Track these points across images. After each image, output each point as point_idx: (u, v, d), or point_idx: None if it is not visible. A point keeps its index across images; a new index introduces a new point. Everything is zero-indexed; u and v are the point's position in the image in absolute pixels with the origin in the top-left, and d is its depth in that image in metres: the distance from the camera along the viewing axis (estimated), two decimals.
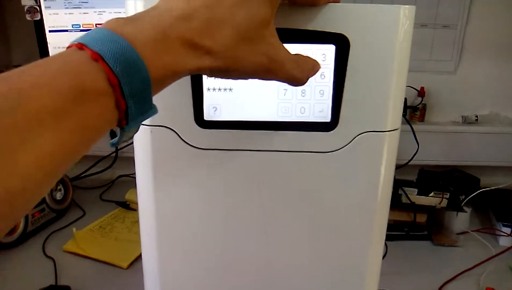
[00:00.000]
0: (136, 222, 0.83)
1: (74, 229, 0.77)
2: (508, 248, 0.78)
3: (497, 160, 1.01)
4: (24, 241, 0.76)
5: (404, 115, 0.96)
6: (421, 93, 1.01)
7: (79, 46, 0.24)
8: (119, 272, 0.69)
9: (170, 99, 0.38)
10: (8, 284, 0.65)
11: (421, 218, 0.82)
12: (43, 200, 0.81)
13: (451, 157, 1.02)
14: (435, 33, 0.99)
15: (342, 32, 0.36)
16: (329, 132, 0.39)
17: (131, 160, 0.43)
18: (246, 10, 0.28)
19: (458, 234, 0.82)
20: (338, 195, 0.41)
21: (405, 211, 0.82)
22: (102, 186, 1.01)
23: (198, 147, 0.40)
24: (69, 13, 0.83)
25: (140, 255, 0.46)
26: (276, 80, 0.32)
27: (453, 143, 1.01)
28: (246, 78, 0.31)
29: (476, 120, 1.02)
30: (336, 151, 0.40)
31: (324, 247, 0.43)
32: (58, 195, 0.86)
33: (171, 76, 0.27)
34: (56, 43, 0.84)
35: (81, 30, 0.83)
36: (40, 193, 0.23)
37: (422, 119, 1.03)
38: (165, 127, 0.39)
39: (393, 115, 0.39)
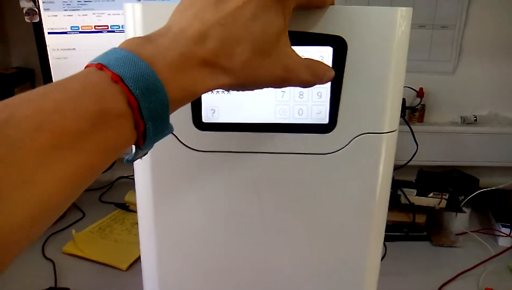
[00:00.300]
0: (136, 223, 0.82)
1: (73, 231, 0.77)
2: (507, 249, 0.78)
3: (496, 160, 1.01)
4: None
5: (403, 116, 0.96)
6: (420, 93, 1.01)
7: (99, 66, 0.24)
8: (119, 274, 0.69)
9: None
10: (8, 286, 0.65)
11: (420, 219, 0.82)
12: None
13: (450, 157, 1.02)
14: (433, 34, 0.99)
15: (339, 34, 0.36)
16: (327, 134, 0.39)
17: (130, 162, 0.43)
18: (260, 25, 0.28)
19: (457, 234, 0.82)
20: (336, 197, 0.41)
21: (404, 211, 0.82)
22: (101, 188, 1.01)
23: (197, 149, 0.40)
24: (68, 15, 0.83)
25: (140, 256, 0.46)
26: (290, 86, 0.33)
27: (452, 143, 1.01)
28: (262, 88, 0.31)
29: (475, 120, 1.02)
30: (334, 153, 0.40)
31: (323, 248, 0.43)
32: None
33: (190, 97, 0.27)
34: (55, 45, 0.84)
35: (80, 32, 0.83)
36: (57, 215, 0.23)
37: (421, 119, 1.03)
38: None
39: (391, 117, 0.39)
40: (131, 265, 0.70)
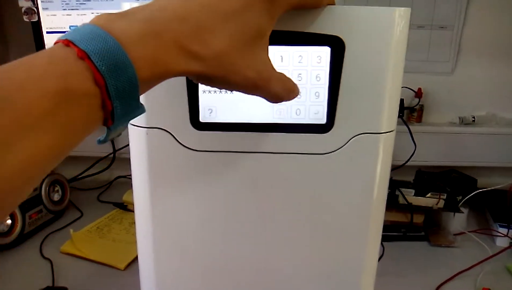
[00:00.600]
0: (134, 223, 0.82)
1: (71, 230, 0.76)
2: (505, 249, 0.78)
3: (494, 160, 1.02)
4: (21, 242, 0.76)
5: (401, 116, 0.96)
6: (418, 94, 1.01)
7: (66, 42, 0.23)
8: (117, 273, 0.69)
9: (166, 101, 0.38)
10: (5, 285, 0.65)
11: (418, 219, 0.82)
12: (41, 201, 0.81)
13: (448, 158, 1.02)
14: (432, 34, 0.99)
15: (337, 34, 0.36)
16: (324, 134, 0.39)
17: (128, 161, 0.43)
18: (242, 21, 0.28)
19: (455, 234, 0.82)
20: (333, 197, 0.41)
21: (402, 212, 0.82)
22: (99, 187, 1.01)
23: (194, 149, 0.40)
24: (67, 15, 0.83)
25: (137, 256, 0.46)
26: (259, 95, 0.32)
27: (450, 144, 1.01)
28: (231, 90, 0.31)
29: (473, 121, 1.02)
30: (332, 153, 0.40)
31: (320, 248, 0.43)
32: (56, 196, 0.86)
33: (159, 77, 0.26)
34: None
35: None
36: (22, 195, 0.22)
37: (419, 120, 1.03)
38: (161, 129, 0.39)
39: (389, 117, 0.39)
40: (129, 265, 0.70)
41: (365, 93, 0.38)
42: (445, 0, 0.96)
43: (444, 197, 0.80)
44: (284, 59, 0.38)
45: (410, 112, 1.03)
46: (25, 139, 0.20)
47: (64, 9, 0.82)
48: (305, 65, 0.38)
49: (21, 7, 0.82)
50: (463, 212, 0.82)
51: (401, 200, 0.81)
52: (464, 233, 0.82)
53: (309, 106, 0.39)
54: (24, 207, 0.77)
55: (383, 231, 0.45)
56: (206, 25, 0.26)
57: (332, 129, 0.39)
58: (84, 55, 0.22)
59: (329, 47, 0.37)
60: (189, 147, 0.40)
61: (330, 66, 0.38)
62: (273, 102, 0.33)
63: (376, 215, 0.43)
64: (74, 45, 0.23)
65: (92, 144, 0.29)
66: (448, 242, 0.80)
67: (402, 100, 0.99)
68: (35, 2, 0.82)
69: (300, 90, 0.38)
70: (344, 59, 0.37)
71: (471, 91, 1.03)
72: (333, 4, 0.36)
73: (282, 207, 0.42)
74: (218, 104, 0.39)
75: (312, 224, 0.42)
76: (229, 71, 0.28)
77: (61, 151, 0.23)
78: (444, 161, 1.02)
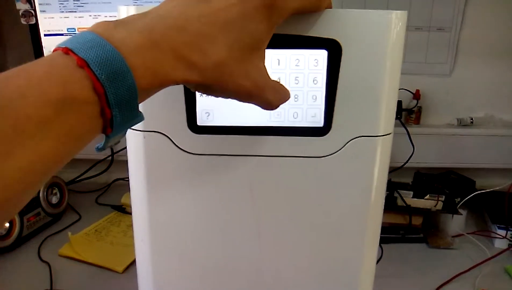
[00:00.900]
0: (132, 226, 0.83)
1: (69, 233, 0.76)
2: (503, 251, 0.78)
3: (492, 162, 1.02)
4: (19, 245, 0.76)
5: (399, 118, 0.96)
6: (416, 95, 1.01)
7: (65, 50, 0.23)
8: (115, 276, 0.69)
9: (163, 105, 0.38)
10: (4, 288, 0.65)
11: (417, 221, 0.82)
12: (39, 204, 0.81)
13: (447, 159, 1.02)
14: (429, 36, 0.99)
15: (334, 38, 0.36)
16: (322, 137, 0.39)
17: (127, 164, 0.43)
18: (240, 30, 0.28)
19: (453, 236, 0.82)
20: (331, 200, 0.41)
21: (400, 213, 0.82)
22: (97, 190, 1.01)
23: (191, 152, 0.40)
24: (65, 17, 0.83)
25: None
26: (252, 103, 0.32)
27: (448, 145, 1.01)
28: (226, 98, 0.31)
29: (471, 122, 1.02)
30: (329, 156, 0.40)
31: (318, 251, 0.43)
32: (54, 199, 0.85)
33: (158, 86, 0.26)
34: (51, 47, 0.83)
35: None
36: (21, 202, 0.22)
37: (417, 121, 1.03)
38: (158, 132, 0.39)
39: (386, 120, 0.39)
40: (127, 268, 0.70)
41: (362, 96, 0.38)
42: (442, 1, 0.97)
43: (443, 199, 0.80)
44: (281, 62, 0.38)
45: (408, 114, 1.03)
46: (24, 147, 0.20)
47: (61, 12, 0.82)
48: (302, 68, 0.38)
49: (19, 10, 0.82)
50: (461, 214, 0.82)
51: (399, 202, 0.81)
52: (462, 235, 0.82)
53: (306, 109, 0.39)
54: (22, 210, 0.76)
55: (381, 233, 0.45)
56: (205, 34, 0.26)
57: (330, 132, 0.39)
58: (83, 64, 0.22)
59: (326, 50, 0.37)
60: (186, 150, 0.40)
61: (327, 69, 0.38)
62: (265, 109, 0.33)
63: (374, 217, 0.43)
64: (74, 53, 0.23)
65: (90, 147, 0.29)
66: (447, 244, 0.80)
67: (400, 102, 1.00)
68: (33, 5, 0.82)
69: (297, 93, 0.39)
70: (341, 62, 0.37)
71: (469, 92, 1.03)
72: (331, 7, 0.36)
73: (279, 210, 0.42)
74: (215, 107, 0.39)
75: (310, 227, 0.42)
76: (226, 81, 0.28)
77: (60, 159, 0.23)
78: (443, 162, 1.02)
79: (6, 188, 0.20)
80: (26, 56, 0.92)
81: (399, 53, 0.38)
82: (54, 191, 0.86)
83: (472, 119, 1.02)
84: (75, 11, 0.83)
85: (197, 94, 0.38)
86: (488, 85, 1.03)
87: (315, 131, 0.39)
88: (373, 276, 0.46)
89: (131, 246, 0.75)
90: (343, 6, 0.97)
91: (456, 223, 0.82)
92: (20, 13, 0.82)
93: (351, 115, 0.39)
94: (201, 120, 0.39)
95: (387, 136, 0.40)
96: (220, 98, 0.37)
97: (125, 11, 0.36)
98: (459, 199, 0.84)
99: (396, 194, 0.81)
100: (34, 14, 0.82)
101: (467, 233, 0.82)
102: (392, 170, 0.57)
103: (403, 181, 0.87)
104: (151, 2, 0.83)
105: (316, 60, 0.38)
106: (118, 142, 0.28)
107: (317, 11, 0.35)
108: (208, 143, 0.40)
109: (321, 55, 0.37)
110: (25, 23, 0.83)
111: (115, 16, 0.83)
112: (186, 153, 0.40)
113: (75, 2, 0.82)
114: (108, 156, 1.04)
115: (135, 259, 0.47)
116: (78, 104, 0.22)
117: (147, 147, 0.40)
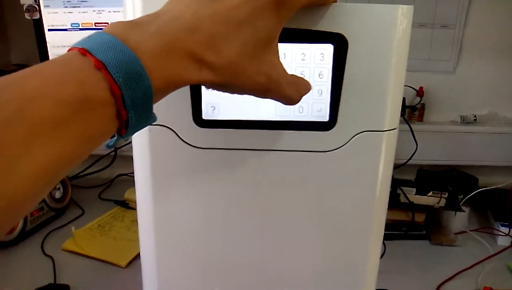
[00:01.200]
0: (135, 221, 0.83)
1: (73, 228, 0.77)
2: (506, 248, 0.78)
3: (496, 159, 1.02)
4: (23, 239, 0.76)
5: (402, 115, 0.96)
6: (420, 93, 1.01)
7: (82, 51, 0.23)
8: (118, 271, 0.69)
9: (169, 98, 0.38)
10: (7, 282, 0.65)
11: (420, 218, 0.82)
12: (42, 199, 0.81)
13: (450, 156, 1.02)
14: (433, 33, 0.99)
15: (340, 32, 0.36)
16: (327, 132, 0.39)
17: (130, 159, 0.43)
18: (252, 29, 0.28)
19: (456, 233, 0.82)
20: (336, 194, 0.41)
21: (403, 210, 0.82)
22: (101, 185, 1.01)
23: (197, 146, 0.40)
24: (68, 12, 0.83)
25: (139, 254, 0.46)
26: (271, 98, 0.32)
27: (451, 143, 1.01)
28: (243, 94, 0.31)
29: (475, 120, 1.02)
30: (334, 151, 0.40)
31: (322, 246, 0.43)
32: (57, 194, 0.86)
33: (173, 87, 0.27)
34: (55, 42, 0.84)
35: (80, 29, 0.83)
36: (37, 201, 0.23)
37: (420, 119, 1.03)
38: (164, 126, 0.39)
39: (391, 115, 0.39)
40: (130, 262, 0.70)
41: (368, 90, 0.38)
42: None
43: (446, 196, 0.80)
44: (287, 56, 0.38)
45: (412, 111, 1.03)
46: (42, 147, 0.21)
47: (65, 7, 0.82)
48: (308, 62, 0.38)
49: (23, 5, 0.82)
50: (464, 211, 0.82)
51: (402, 198, 0.81)
52: (465, 232, 0.82)
53: (312, 103, 0.39)
54: None
55: (384, 230, 0.45)
56: (218, 34, 0.27)
57: (335, 127, 0.39)
58: (101, 66, 0.23)
59: (332, 44, 0.37)
60: (191, 144, 0.40)
61: (333, 63, 0.38)
62: (286, 104, 0.33)
63: (378, 212, 0.43)
64: (91, 54, 0.23)
65: None
66: (449, 241, 0.80)
67: (403, 99, 0.99)
68: None
69: None
70: (347, 56, 0.37)
71: (472, 90, 1.03)
72: (336, 1, 0.36)
73: (284, 204, 0.42)
74: (221, 101, 0.39)
75: (315, 222, 0.42)
76: (241, 78, 0.29)
77: (75, 158, 0.23)
78: (446, 160, 1.02)
79: (24, 186, 0.20)
80: (30, 51, 0.92)
81: (405, 47, 0.38)
82: (57, 186, 0.86)
83: (475, 116, 1.02)
84: (79, 6, 0.83)
85: (203, 87, 0.38)
86: (492, 83, 1.02)
87: (321, 125, 0.39)
88: (377, 272, 0.46)
89: (134, 241, 0.76)
90: (348, 0, 0.97)
91: (459, 220, 0.82)
92: (24, 8, 0.82)
93: (357, 109, 0.39)
94: (206, 114, 0.39)
95: (392, 131, 0.40)
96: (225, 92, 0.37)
97: (131, 4, 0.36)
98: (462, 196, 0.84)
99: (399, 191, 0.81)
100: (38, 9, 0.82)
101: (470, 230, 0.82)
102: (395, 167, 0.56)
103: (406, 178, 0.87)
104: None
105: (322, 55, 0.37)
106: (127, 140, 0.28)
107: (325, 4, 0.35)
108: (214, 137, 0.40)
109: (327, 49, 0.37)
110: (29, 18, 0.83)
111: (119, 12, 0.83)
112: (191, 147, 0.40)
113: None
114: (111, 151, 1.04)
115: (138, 254, 0.47)
116: (95, 106, 0.22)
117: (152, 141, 0.40)
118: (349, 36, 0.36)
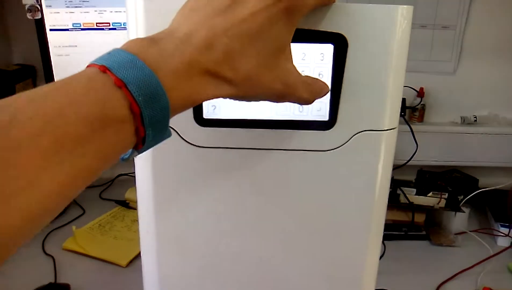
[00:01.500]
0: (136, 220, 0.83)
1: (73, 227, 0.77)
2: (506, 248, 0.78)
3: (496, 160, 1.02)
4: None
5: (403, 116, 0.96)
6: (420, 93, 1.01)
7: (102, 68, 0.23)
8: (118, 270, 0.69)
9: None
10: (8, 282, 0.66)
11: (420, 218, 0.82)
12: None
13: (450, 157, 1.02)
14: (434, 34, 0.99)
15: (340, 32, 0.37)
16: (327, 131, 0.39)
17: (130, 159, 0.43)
18: (266, 39, 0.28)
19: (456, 234, 0.82)
20: (335, 194, 0.41)
21: (403, 211, 0.82)
22: (101, 185, 1.01)
23: (197, 145, 0.40)
24: (70, 12, 0.83)
25: (139, 253, 0.46)
26: (288, 102, 0.33)
27: (452, 143, 1.01)
28: (259, 101, 0.31)
29: (475, 120, 1.02)
30: (334, 150, 0.40)
31: (321, 246, 0.44)
32: None
33: (191, 104, 0.27)
34: (57, 42, 0.84)
35: (82, 29, 0.83)
36: (54, 215, 0.23)
37: (421, 119, 1.03)
38: None
39: (391, 114, 0.40)
40: (130, 262, 0.70)
41: (368, 90, 0.38)
42: (448, 0, 0.97)
43: (446, 196, 0.80)
44: None
45: (412, 112, 1.03)
46: (63, 163, 0.21)
47: (67, 7, 0.83)
48: (308, 62, 0.38)
49: (25, 5, 0.82)
50: (464, 212, 0.82)
51: (402, 199, 0.81)
52: (465, 232, 0.82)
53: (312, 103, 0.39)
54: None
55: (384, 230, 0.45)
56: (233, 49, 0.27)
57: (335, 126, 0.39)
58: (121, 84, 0.23)
59: (332, 44, 0.37)
60: (192, 143, 0.40)
61: (333, 63, 0.38)
62: (302, 105, 0.34)
63: (378, 212, 0.43)
64: (112, 72, 0.23)
65: None
66: (449, 241, 0.80)
67: (404, 100, 1.00)
68: None
69: None
70: (347, 56, 0.37)
71: (473, 91, 1.03)
72: (335, 1, 0.37)
73: (284, 203, 0.42)
74: (221, 100, 0.39)
75: (314, 221, 0.42)
76: (258, 88, 0.29)
77: (94, 174, 0.24)
78: (446, 160, 1.02)
79: (46, 201, 0.21)
80: (32, 51, 0.92)
81: (405, 47, 0.38)
82: None
83: (475, 117, 1.02)
84: (81, 6, 0.83)
85: None
86: (492, 84, 1.03)
87: (320, 125, 0.39)
88: (376, 272, 0.47)
89: (134, 240, 0.76)
90: (349, 0, 0.97)
91: (459, 221, 0.83)
92: (26, 8, 0.82)
93: (356, 109, 0.39)
94: (207, 113, 0.39)
95: (392, 130, 0.40)
96: None
97: (133, 4, 0.37)
98: (462, 197, 0.84)
99: (399, 191, 0.81)
100: (39, 9, 0.82)
101: (470, 231, 0.82)
102: (395, 168, 0.56)
103: (406, 178, 0.88)
104: None
105: (322, 54, 0.38)
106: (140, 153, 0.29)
107: (329, 4, 0.35)
108: (214, 136, 0.40)
109: (327, 49, 0.37)
110: (30, 18, 0.83)
111: (121, 12, 0.83)
112: (192, 145, 0.40)
113: None
114: None
115: (138, 254, 0.47)
116: (115, 123, 0.23)
117: None
118: (349, 36, 0.37)
